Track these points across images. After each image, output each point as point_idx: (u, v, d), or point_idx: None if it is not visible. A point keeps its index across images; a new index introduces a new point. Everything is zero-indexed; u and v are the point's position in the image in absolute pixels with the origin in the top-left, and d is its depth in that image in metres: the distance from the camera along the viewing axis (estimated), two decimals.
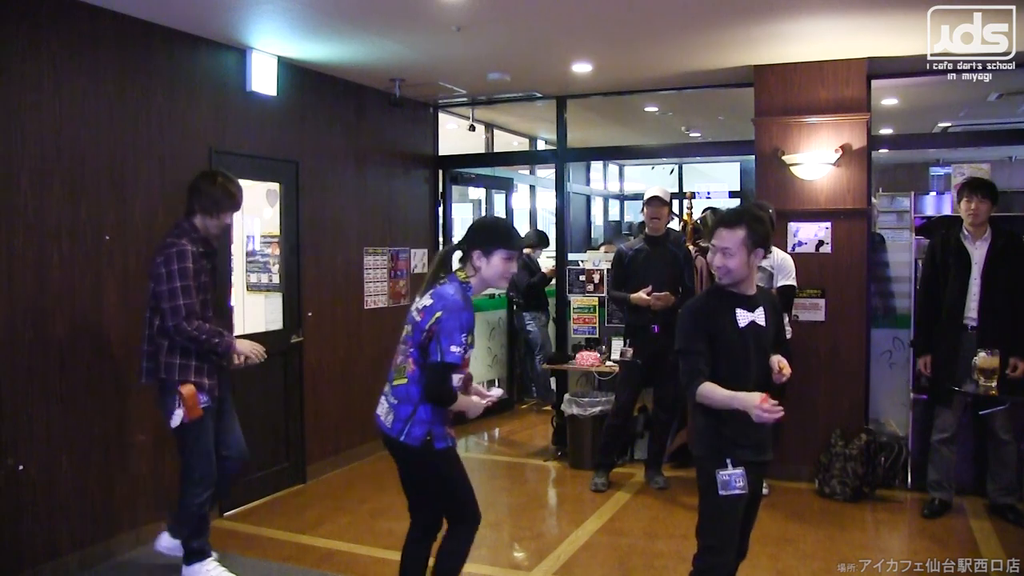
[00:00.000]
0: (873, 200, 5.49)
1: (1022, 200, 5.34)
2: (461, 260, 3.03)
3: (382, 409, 2.99)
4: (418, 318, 2.90)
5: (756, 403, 2.58)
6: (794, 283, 4.89)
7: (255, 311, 5.42)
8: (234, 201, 3.70)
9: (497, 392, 3.43)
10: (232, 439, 3.88)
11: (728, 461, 2.74)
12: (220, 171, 3.82)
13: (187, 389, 3.51)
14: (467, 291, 2.94)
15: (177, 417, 3.54)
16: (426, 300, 2.92)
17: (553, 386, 6.74)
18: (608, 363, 5.77)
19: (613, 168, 11.01)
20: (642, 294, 5.02)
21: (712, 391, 2.70)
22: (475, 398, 3.06)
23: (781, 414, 2.59)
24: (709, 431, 2.82)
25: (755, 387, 2.75)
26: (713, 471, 2.76)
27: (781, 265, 4.86)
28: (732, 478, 2.73)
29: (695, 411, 2.88)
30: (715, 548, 2.83)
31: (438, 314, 2.83)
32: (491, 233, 2.99)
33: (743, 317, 2.78)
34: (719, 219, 2.84)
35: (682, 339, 2.80)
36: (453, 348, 2.80)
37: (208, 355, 3.61)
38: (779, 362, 2.86)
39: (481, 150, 7.86)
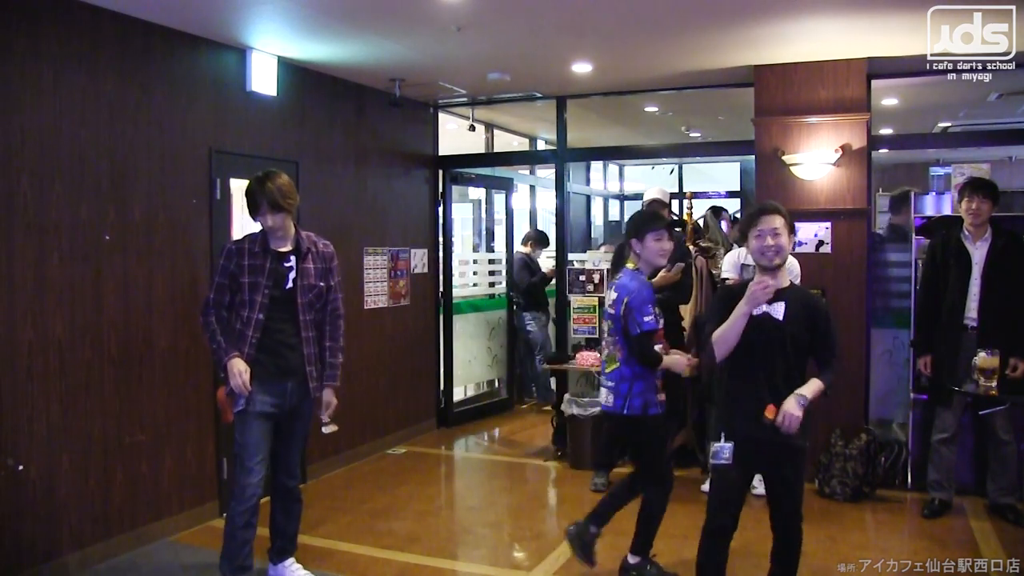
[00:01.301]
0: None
1: (1022, 200, 5.32)
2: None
3: (600, 395, 3.73)
4: (612, 311, 3.60)
5: (750, 287, 2.86)
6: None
7: None
8: (252, 200, 3.44)
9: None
10: (286, 455, 3.67)
11: (722, 433, 2.97)
12: (265, 170, 3.49)
13: (219, 392, 3.52)
14: (640, 275, 3.59)
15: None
16: (612, 295, 3.63)
17: (553, 386, 6.73)
18: None
19: (613, 168, 10.99)
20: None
21: (721, 328, 2.90)
22: (677, 356, 3.63)
23: (771, 287, 2.85)
24: (718, 409, 3.17)
25: (764, 384, 2.84)
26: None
27: (790, 268, 4.80)
28: (720, 449, 2.95)
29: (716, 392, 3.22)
30: (709, 512, 3.04)
31: (625, 300, 3.51)
32: (638, 222, 3.68)
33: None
34: (759, 209, 3.07)
35: (708, 312, 3.20)
36: (646, 318, 3.46)
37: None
38: (783, 412, 2.85)
39: (481, 150, 7.85)
